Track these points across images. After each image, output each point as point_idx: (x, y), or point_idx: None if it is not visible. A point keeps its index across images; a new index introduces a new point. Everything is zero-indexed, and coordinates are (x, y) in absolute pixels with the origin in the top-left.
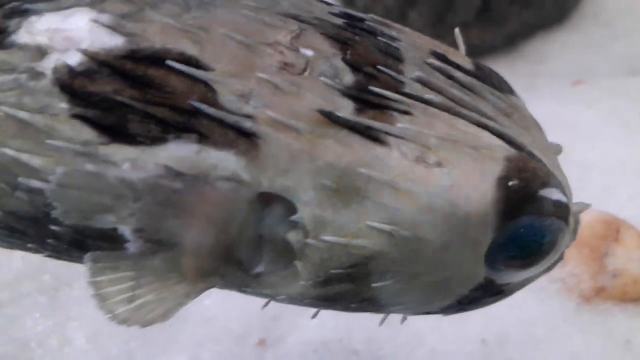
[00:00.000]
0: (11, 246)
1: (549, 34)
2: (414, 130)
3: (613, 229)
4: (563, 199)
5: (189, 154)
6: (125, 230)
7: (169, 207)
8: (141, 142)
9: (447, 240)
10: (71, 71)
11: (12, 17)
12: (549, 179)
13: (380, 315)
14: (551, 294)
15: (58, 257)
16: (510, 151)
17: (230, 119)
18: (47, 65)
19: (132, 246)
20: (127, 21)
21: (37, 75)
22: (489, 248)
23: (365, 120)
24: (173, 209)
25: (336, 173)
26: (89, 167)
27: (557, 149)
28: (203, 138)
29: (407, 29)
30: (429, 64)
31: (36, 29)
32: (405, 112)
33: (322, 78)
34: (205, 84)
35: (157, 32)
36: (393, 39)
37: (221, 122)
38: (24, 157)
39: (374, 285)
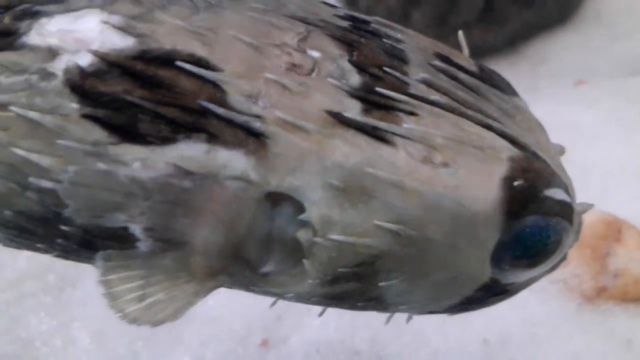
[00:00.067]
0: (20, 246)
1: (551, 35)
2: (420, 130)
3: (614, 229)
4: (567, 199)
5: (199, 154)
6: (136, 229)
7: (179, 206)
8: (151, 142)
9: (453, 240)
10: (82, 72)
11: (23, 18)
12: (553, 179)
13: (384, 316)
14: (553, 294)
15: (66, 257)
16: (515, 151)
17: (240, 119)
18: (58, 66)
19: (143, 245)
20: (137, 22)
21: (48, 76)
22: (494, 248)
23: (372, 120)
24: (182, 207)
25: (344, 173)
26: (100, 165)
27: (559, 150)
28: (212, 138)
29: (411, 31)
30: (433, 66)
31: (47, 31)
32: (411, 113)
33: (329, 79)
34: (215, 84)
35: (167, 34)
36: (397, 41)
37: (230, 122)
38: (35, 157)
39: (380, 284)
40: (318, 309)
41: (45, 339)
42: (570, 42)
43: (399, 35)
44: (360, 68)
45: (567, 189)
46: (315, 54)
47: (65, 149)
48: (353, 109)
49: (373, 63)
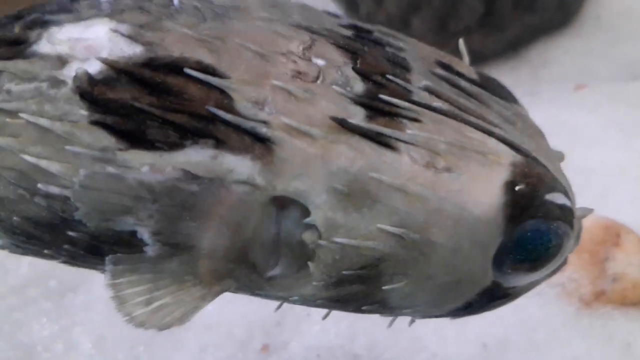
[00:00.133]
0: (26, 252)
1: (551, 39)
2: (423, 136)
3: (613, 233)
4: (568, 203)
5: (206, 159)
6: (144, 233)
7: (186, 209)
8: (159, 148)
9: (456, 244)
10: (91, 79)
11: (33, 28)
12: (554, 183)
13: (383, 321)
14: (551, 299)
15: (73, 264)
16: (516, 157)
17: (246, 124)
18: (68, 73)
19: (150, 250)
20: (146, 31)
21: (57, 83)
22: (496, 252)
23: (376, 126)
24: (189, 211)
25: (348, 177)
26: (109, 169)
27: (559, 156)
28: (220, 143)
29: (412, 40)
30: (435, 74)
31: (57, 39)
32: (414, 120)
33: (334, 86)
34: (222, 91)
35: (175, 42)
36: (400, 49)
37: (237, 128)
38: (44, 163)
39: (384, 287)
40: (318, 314)
41: (47, 344)
42: (571, 47)
43: (401, 44)
44: (364, 76)
45: (567, 194)
46: (320, 62)
47: (74, 155)
48: (357, 116)
49: (376, 71)
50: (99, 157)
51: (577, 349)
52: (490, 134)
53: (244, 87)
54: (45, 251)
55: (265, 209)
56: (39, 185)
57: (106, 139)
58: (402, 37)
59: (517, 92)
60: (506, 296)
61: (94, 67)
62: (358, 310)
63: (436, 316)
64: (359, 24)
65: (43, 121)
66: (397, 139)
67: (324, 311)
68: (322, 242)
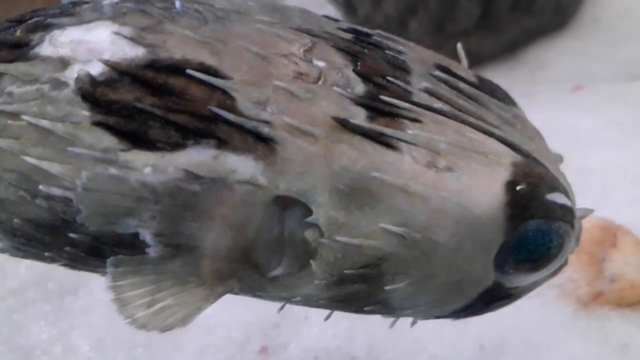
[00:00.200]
0: (26, 255)
1: (549, 41)
2: (425, 136)
3: (610, 234)
4: (569, 203)
5: (208, 159)
6: (146, 235)
7: (188, 210)
8: (161, 148)
9: (457, 243)
10: (93, 80)
11: (35, 31)
12: (555, 183)
13: (382, 323)
14: (549, 300)
15: (73, 266)
16: (517, 157)
17: (249, 124)
18: (70, 75)
19: (152, 251)
20: (148, 33)
21: (59, 85)
22: (498, 251)
23: (377, 126)
24: (192, 211)
25: (350, 177)
26: (112, 171)
27: (558, 158)
28: (222, 143)
29: (411, 44)
30: (435, 76)
31: (59, 42)
32: (415, 120)
33: (335, 87)
34: (224, 92)
35: (177, 44)
36: (399, 52)
37: (240, 128)
38: (45, 164)
39: (386, 287)
40: (316, 316)
41: (46, 347)
42: (568, 48)
43: (400, 47)
44: (365, 77)
45: (568, 194)
46: (321, 63)
47: (76, 156)
48: (359, 116)
49: (377, 73)
50: (101, 158)
51: (574, 350)
52: (490, 134)
53: (246, 87)
54: (46, 254)
55: (268, 208)
56: (41, 187)
57: (108, 140)
58: (401, 41)
59: (515, 94)
60: (508, 297)
61: (96, 69)
62: (360, 311)
63: (438, 317)
64: (358, 27)
65: (44, 122)
66: (398, 139)
67: (323, 313)
68: (324, 240)
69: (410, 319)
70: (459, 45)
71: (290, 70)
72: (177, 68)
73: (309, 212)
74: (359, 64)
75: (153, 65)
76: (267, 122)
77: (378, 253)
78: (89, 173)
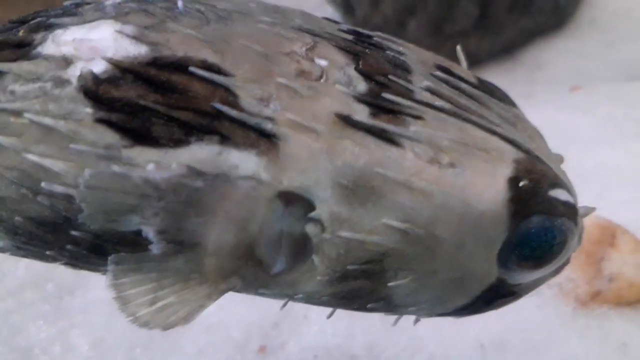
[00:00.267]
0: (27, 254)
1: (547, 41)
2: (427, 133)
3: (609, 233)
4: (571, 200)
5: (211, 155)
6: (149, 232)
7: (191, 206)
8: (164, 145)
9: (460, 239)
10: (96, 78)
11: (38, 31)
12: (557, 180)
13: (381, 321)
14: (548, 299)
15: (75, 265)
16: (519, 154)
17: (251, 120)
18: (73, 73)
19: (155, 248)
20: (150, 32)
21: (62, 83)
22: (501, 248)
23: (380, 123)
24: (195, 207)
25: (353, 173)
26: (114, 168)
27: (559, 159)
28: (225, 139)
29: (411, 45)
30: (435, 76)
31: (62, 40)
32: (417, 117)
33: (337, 85)
34: (227, 89)
35: (180, 42)
36: (399, 53)
37: (242, 124)
38: (47, 162)
39: (389, 283)
40: (315, 315)
41: (45, 346)
42: (566, 48)
43: (400, 49)
44: (366, 76)
45: (570, 191)
46: (323, 62)
47: (79, 153)
48: (361, 113)
49: (378, 71)
50: (104, 155)
51: (573, 349)
52: (492, 132)
53: (248, 84)
54: (47, 252)
55: (271, 204)
56: (42, 184)
57: (111, 137)
58: (401, 42)
59: (513, 94)
60: (511, 294)
61: (99, 67)
62: (363, 308)
63: (441, 314)
64: (359, 29)
65: (47, 120)
66: (401, 135)
67: (322, 312)
68: (326, 236)
69: (411, 317)
70: (459, 47)
71: (293, 68)
72: (179, 66)
73: (312, 208)
74: (360, 62)
75: (156, 62)
76: (269, 119)
77: (381, 249)
78: (91, 170)
